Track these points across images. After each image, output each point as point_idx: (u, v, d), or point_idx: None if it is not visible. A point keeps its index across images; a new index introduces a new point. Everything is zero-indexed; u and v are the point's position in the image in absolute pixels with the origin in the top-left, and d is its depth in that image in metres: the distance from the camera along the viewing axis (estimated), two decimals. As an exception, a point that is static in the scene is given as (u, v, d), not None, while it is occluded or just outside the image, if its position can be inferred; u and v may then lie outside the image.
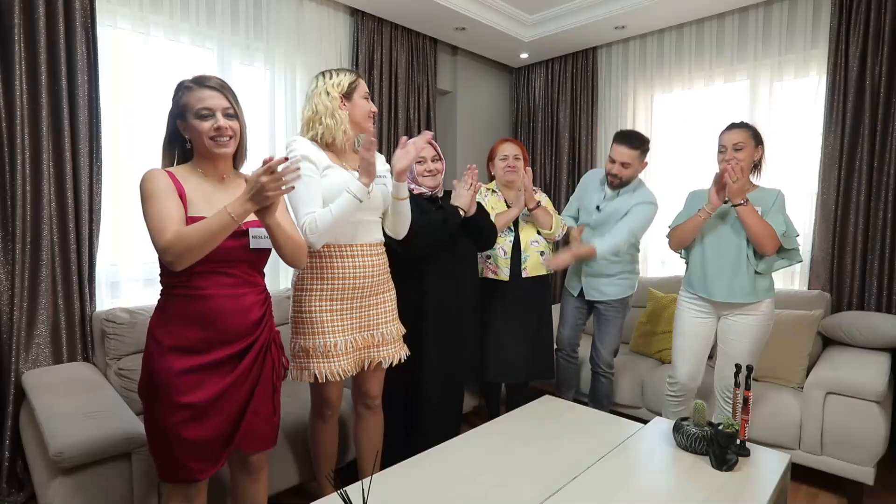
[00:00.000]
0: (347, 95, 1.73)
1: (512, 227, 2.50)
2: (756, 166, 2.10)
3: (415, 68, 3.61)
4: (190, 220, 1.30)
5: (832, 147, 2.80)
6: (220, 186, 1.41)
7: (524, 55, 4.10)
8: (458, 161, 4.04)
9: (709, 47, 3.33)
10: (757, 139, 2.05)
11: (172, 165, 1.42)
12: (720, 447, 1.55)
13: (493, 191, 2.61)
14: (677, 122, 3.52)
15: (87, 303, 2.22)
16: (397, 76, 3.49)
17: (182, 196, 1.31)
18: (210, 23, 2.63)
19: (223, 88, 1.38)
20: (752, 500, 1.40)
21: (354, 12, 3.24)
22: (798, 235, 2.06)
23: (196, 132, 1.35)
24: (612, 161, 2.41)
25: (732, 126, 2.07)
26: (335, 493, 1.28)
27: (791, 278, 3.07)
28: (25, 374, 2.00)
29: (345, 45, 3.25)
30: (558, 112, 4.14)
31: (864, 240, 2.74)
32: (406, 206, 1.82)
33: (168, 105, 1.41)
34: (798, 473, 2.31)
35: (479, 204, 2.21)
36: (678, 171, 3.50)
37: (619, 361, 2.89)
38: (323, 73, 1.75)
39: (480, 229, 2.22)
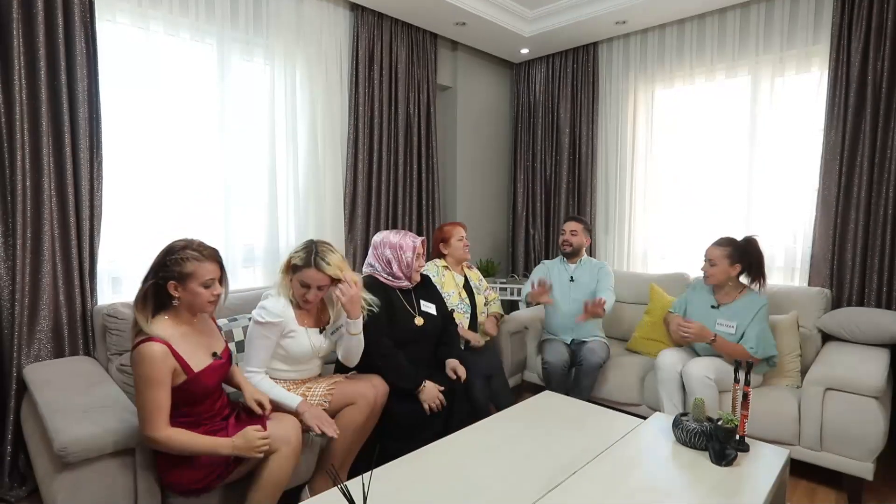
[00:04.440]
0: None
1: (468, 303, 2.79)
2: (745, 274, 2.43)
3: (415, 63, 3.60)
4: (196, 375, 1.55)
5: (833, 143, 2.79)
6: (195, 330, 1.63)
7: (525, 50, 4.09)
8: (458, 157, 4.03)
9: (710, 42, 3.31)
10: (733, 259, 2.39)
11: (153, 317, 1.54)
12: (719, 442, 1.56)
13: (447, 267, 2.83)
14: (678, 118, 3.51)
15: (88, 298, 2.22)
16: (397, 71, 3.48)
17: (180, 360, 1.52)
18: (210, 18, 2.62)
19: (220, 259, 1.62)
20: (751, 495, 1.41)
21: (354, 7, 3.23)
22: (770, 351, 2.32)
23: (199, 296, 1.56)
24: (564, 232, 3.08)
25: (716, 243, 2.46)
26: (335, 489, 1.29)
27: (791, 275, 3.07)
28: (27, 368, 2.01)
29: (344, 41, 3.24)
30: (559, 107, 4.13)
31: (865, 236, 2.74)
32: (360, 341, 2.02)
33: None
34: (797, 469, 2.32)
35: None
36: (678, 169, 3.49)
37: (618, 360, 2.90)
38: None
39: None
